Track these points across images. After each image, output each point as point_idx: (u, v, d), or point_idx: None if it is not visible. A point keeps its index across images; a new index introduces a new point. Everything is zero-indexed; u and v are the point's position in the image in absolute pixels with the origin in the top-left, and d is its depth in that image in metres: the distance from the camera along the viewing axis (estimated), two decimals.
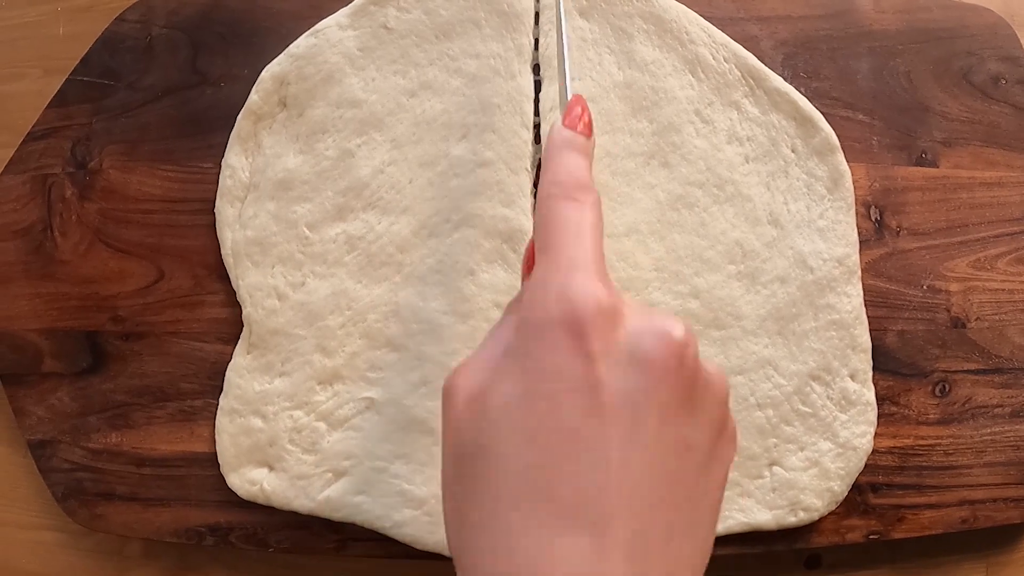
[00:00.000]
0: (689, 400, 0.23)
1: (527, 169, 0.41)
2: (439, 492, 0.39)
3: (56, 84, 0.45)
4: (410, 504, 0.39)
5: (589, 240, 0.24)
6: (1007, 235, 0.44)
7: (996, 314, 0.43)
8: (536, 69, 0.42)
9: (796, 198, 0.41)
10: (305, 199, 0.41)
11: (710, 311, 0.40)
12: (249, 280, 0.41)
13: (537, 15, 0.43)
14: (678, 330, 0.23)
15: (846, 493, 0.40)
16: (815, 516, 0.39)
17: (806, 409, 0.40)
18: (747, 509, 0.39)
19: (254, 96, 0.42)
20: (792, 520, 0.39)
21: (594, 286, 0.23)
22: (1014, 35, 0.46)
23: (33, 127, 0.45)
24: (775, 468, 0.39)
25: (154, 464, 0.41)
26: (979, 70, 0.45)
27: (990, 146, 0.44)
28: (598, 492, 0.21)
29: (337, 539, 0.40)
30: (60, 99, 0.45)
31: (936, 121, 0.44)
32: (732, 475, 0.39)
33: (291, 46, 0.43)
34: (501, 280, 0.40)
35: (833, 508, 0.40)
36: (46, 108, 0.45)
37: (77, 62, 0.45)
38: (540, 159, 0.42)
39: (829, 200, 0.41)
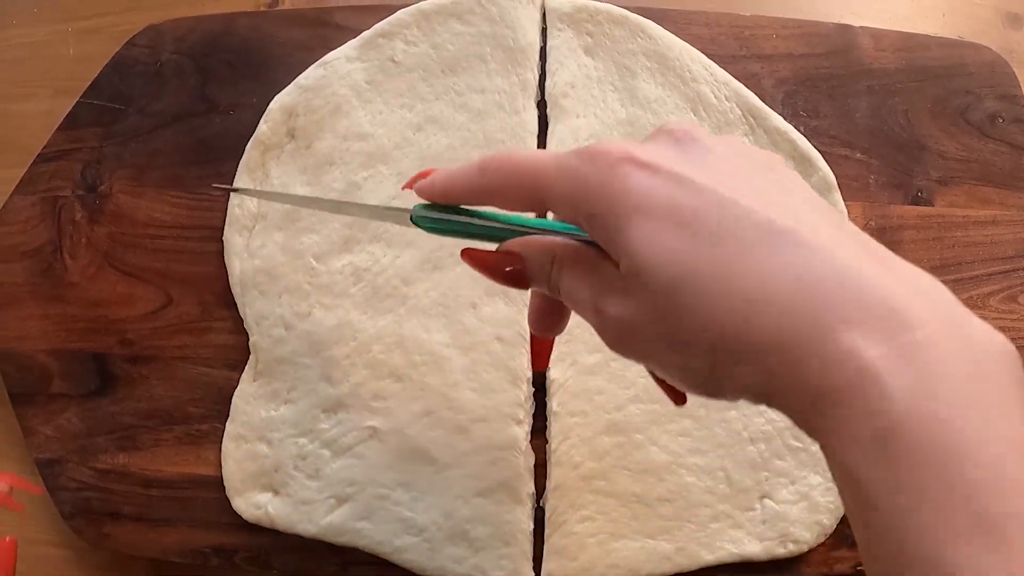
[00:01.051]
0: None
1: None
2: (439, 519, 0.40)
3: (65, 104, 0.46)
4: (411, 531, 0.40)
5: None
6: (1000, 273, 0.45)
7: None
8: (541, 105, 0.43)
9: None
10: (312, 230, 0.42)
11: None
12: (256, 309, 0.41)
13: (543, 50, 0.43)
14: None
15: (835, 526, 0.41)
16: (804, 548, 0.40)
17: (797, 444, 0.41)
18: (738, 540, 0.40)
19: (263, 127, 0.43)
20: (782, 552, 0.40)
21: None
22: (1012, 73, 0.46)
23: (44, 149, 0.46)
24: (766, 501, 0.40)
25: (161, 486, 0.42)
26: (977, 108, 0.46)
27: (985, 185, 0.45)
28: None
29: (339, 563, 0.41)
30: (71, 121, 0.46)
31: (932, 160, 0.45)
32: (723, 507, 0.40)
33: (300, 77, 0.43)
34: (502, 314, 0.41)
35: (822, 540, 0.41)
36: (57, 130, 0.46)
37: (86, 84, 0.46)
38: None
39: None
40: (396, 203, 0.42)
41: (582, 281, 0.24)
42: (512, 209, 0.26)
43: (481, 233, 0.28)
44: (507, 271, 0.27)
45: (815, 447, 0.41)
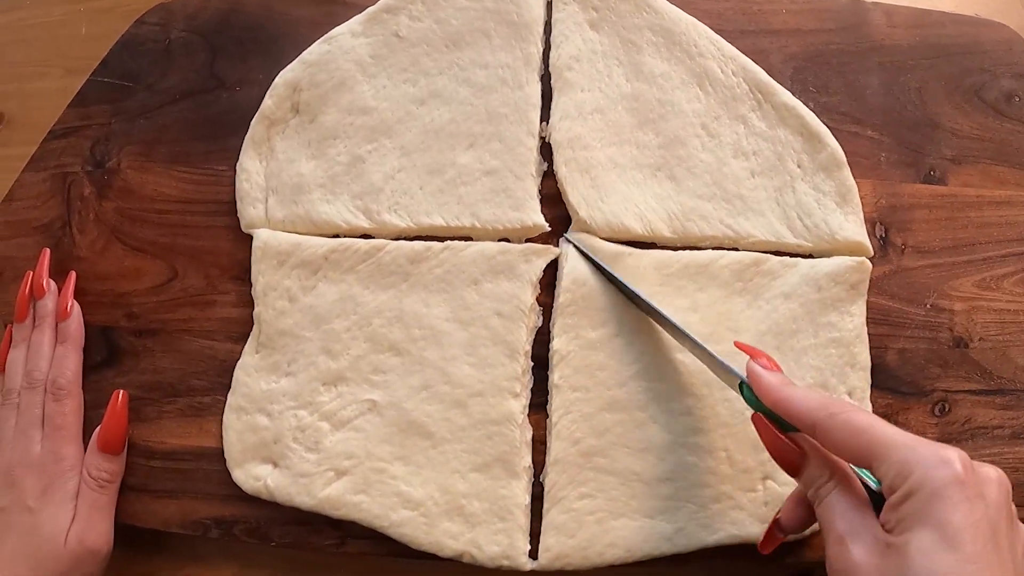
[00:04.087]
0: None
1: (532, 175, 0.42)
2: (435, 494, 0.40)
3: (77, 83, 0.47)
4: (407, 505, 0.40)
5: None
6: (1014, 255, 0.44)
7: (1000, 335, 0.43)
8: (546, 78, 0.43)
9: (809, 213, 0.41)
10: (326, 201, 0.42)
11: (708, 325, 0.41)
12: (267, 279, 0.42)
13: (547, 24, 0.43)
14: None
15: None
16: (805, 532, 0.39)
17: None
18: (739, 522, 0.39)
19: (268, 101, 0.43)
20: (781, 536, 0.39)
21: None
22: None
23: (54, 126, 0.46)
24: (768, 482, 0.40)
25: (163, 457, 0.43)
26: (992, 87, 0.45)
27: (1000, 164, 0.44)
28: None
29: (337, 536, 0.41)
30: (80, 99, 0.46)
31: (946, 138, 0.44)
32: (724, 488, 0.40)
33: (304, 52, 0.44)
34: (503, 289, 0.41)
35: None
36: (67, 108, 0.46)
37: (98, 63, 0.47)
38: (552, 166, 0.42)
39: (842, 215, 0.41)
40: (401, 175, 0.42)
41: (845, 510, 0.29)
42: (836, 455, 0.30)
43: (788, 427, 0.32)
44: (786, 459, 0.32)
45: None
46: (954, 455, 0.27)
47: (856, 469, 0.31)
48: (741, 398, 0.37)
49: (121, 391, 0.42)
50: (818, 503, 0.30)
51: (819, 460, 0.31)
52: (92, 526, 0.40)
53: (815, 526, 0.39)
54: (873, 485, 0.30)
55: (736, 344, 0.36)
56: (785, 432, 0.32)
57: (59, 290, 0.44)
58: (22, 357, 0.43)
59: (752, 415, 0.34)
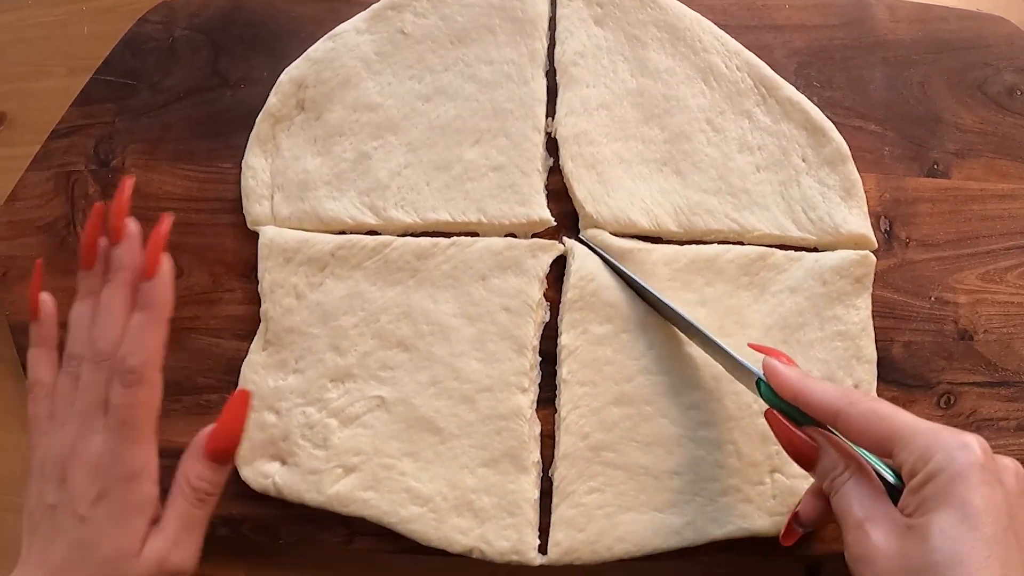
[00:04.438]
0: None
1: (538, 171, 0.42)
2: (444, 490, 0.40)
3: (80, 82, 0.46)
4: (416, 501, 0.40)
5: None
6: (1018, 248, 0.44)
7: (1004, 327, 0.43)
8: (551, 74, 0.43)
9: (814, 206, 0.41)
10: (332, 198, 0.42)
11: (716, 319, 0.41)
12: (273, 276, 0.42)
13: (552, 20, 0.43)
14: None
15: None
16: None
17: None
18: (747, 515, 0.39)
19: (273, 99, 0.43)
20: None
21: None
22: None
23: (57, 125, 0.46)
24: (776, 475, 0.40)
25: (171, 456, 0.42)
26: (995, 81, 0.45)
27: (1003, 158, 0.44)
28: None
29: (346, 532, 0.41)
30: (84, 98, 0.46)
31: (949, 132, 0.44)
32: (732, 481, 0.40)
33: (309, 50, 0.44)
34: (511, 284, 0.41)
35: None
36: (70, 106, 0.46)
37: (100, 62, 0.46)
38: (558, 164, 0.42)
39: (846, 208, 0.41)
40: (408, 171, 0.42)
41: (862, 497, 0.30)
42: (855, 443, 0.31)
43: (803, 420, 0.33)
44: (801, 453, 0.32)
45: None
46: (974, 440, 0.28)
47: (871, 461, 0.31)
48: (751, 393, 0.37)
49: (243, 391, 0.35)
50: (834, 493, 0.31)
51: (833, 452, 0.31)
52: (180, 546, 0.33)
53: None
54: (890, 477, 0.30)
55: (750, 345, 0.36)
56: (799, 427, 0.32)
57: (145, 239, 0.35)
58: (87, 314, 0.35)
59: (765, 411, 0.34)
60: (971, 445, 0.28)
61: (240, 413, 0.35)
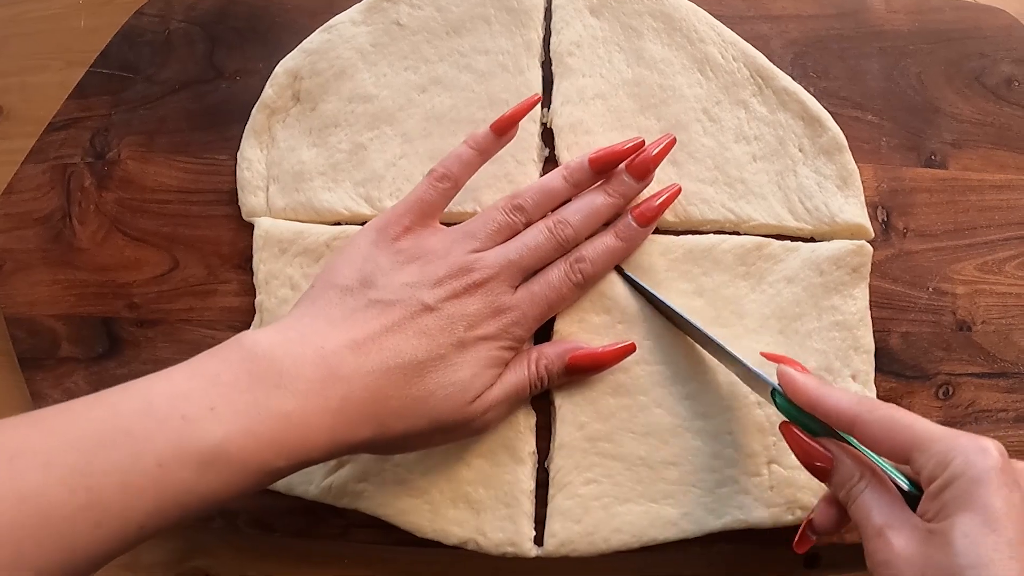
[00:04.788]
0: None
1: (534, 160, 0.42)
2: (439, 481, 0.39)
3: (77, 76, 0.46)
4: (411, 492, 0.39)
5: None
6: (1016, 238, 0.44)
7: (1003, 318, 0.43)
8: (547, 64, 0.43)
9: (810, 196, 0.41)
10: (327, 189, 0.42)
11: (713, 310, 0.40)
12: (269, 267, 0.41)
13: (547, 11, 0.43)
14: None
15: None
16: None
17: None
18: (745, 506, 0.39)
19: (268, 90, 0.43)
20: (789, 519, 0.39)
21: None
22: None
23: (54, 118, 0.46)
24: (773, 466, 0.40)
25: None
26: (992, 72, 0.45)
27: (1000, 148, 0.44)
28: None
29: (341, 525, 0.41)
30: (80, 91, 0.46)
31: (946, 122, 0.44)
32: (729, 472, 0.40)
33: (305, 41, 0.44)
34: None
35: None
36: (67, 99, 0.46)
37: (97, 55, 0.46)
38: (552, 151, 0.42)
39: (843, 197, 0.41)
40: (403, 162, 0.42)
41: (881, 504, 0.30)
42: (872, 450, 0.31)
43: (815, 429, 0.33)
44: (816, 464, 0.32)
45: None
46: (992, 444, 0.28)
47: (887, 470, 0.31)
48: (755, 391, 0.38)
49: (632, 344, 0.38)
50: (851, 502, 0.31)
51: (849, 461, 0.32)
52: (501, 405, 0.36)
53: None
54: (903, 484, 0.31)
55: (763, 354, 0.37)
56: (815, 437, 0.33)
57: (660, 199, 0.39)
58: (560, 188, 0.37)
59: (780, 424, 0.34)
60: (989, 449, 0.28)
61: (617, 357, 0.38)
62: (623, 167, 0.38)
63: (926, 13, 0.45)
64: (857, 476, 0.31)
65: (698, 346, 0.40)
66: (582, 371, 0.38)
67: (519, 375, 0.37)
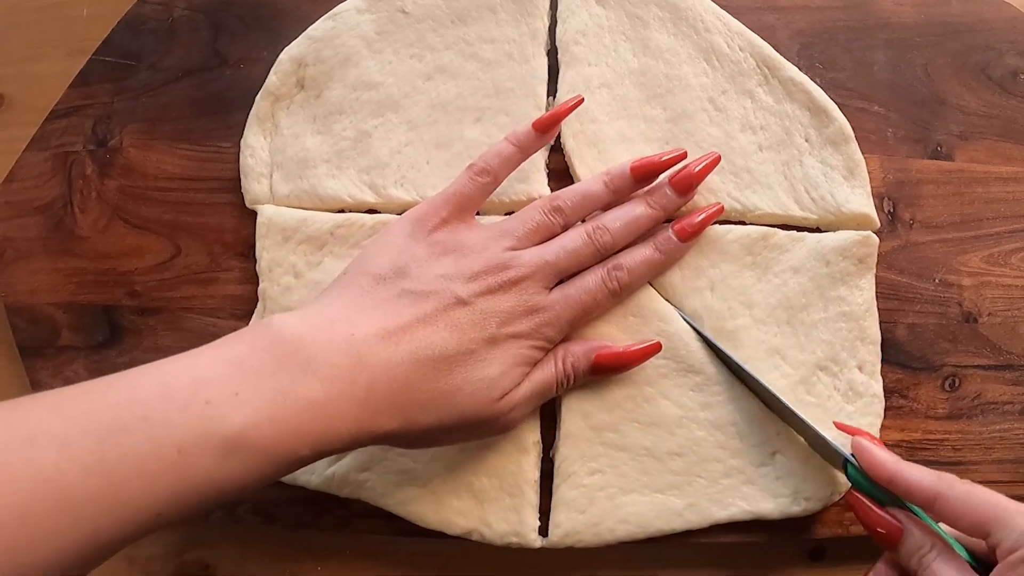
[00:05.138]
0: None
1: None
2: (443, 472, 0.39)
3: (79, 64, 0.46)
4: (414, 482, 0.39)
5: None
6: (1022, 231, 0.43)
7: (1008, 310, 0.43)
8: (552, 53, 0.43)
9: (816, 186, 0.41)
10: (332, 176, 0.42)
11: (724, 302, 0.40)
12: (272, 255, 0.41)
13: (554, 0, 0.43)
14: None
15: (849, 484, 0.39)
16: (818, 507, 0.39)
17: (811, 399, 0.40)
18: (750, 497, 0.39)
19: (272, 77, 0.43)
20: (795, 510, 0.39)
21: None
22: None
23: (56, 105, 0.46)
24: (778, 456, 0.39)
25: None
26: (998, 64, 0.45)
27: (1007, 141, 0.44)
28: None
29: (342, 515, 0.41)
30: (82, 79, 0.46)
31: (952, 114, 0.44)
32: (734, 463, 0.39)
33: (309, 29, 0.43)
34: None
35: (836, 500, 0.39)
36: (69, 87, 0.46)
37: (99, 44, 0.46)
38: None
39: (849, 188, 0.41)
40: (408, 149, 0.42)
41: (951, 572, 0.31)
42: (952, 525, 0.32)
43: (885, 501, 0.34)
44: (881, 531, 0.33)
45: (830, 402, 0.40)
46: None
47: (947, 540, 0.32)
48: (824, 457, 0.38)
49: (657, 343, 0.38)
50: (923, 569, 0.32)
51: (918, 531, 0.32)
52: (526, 403, 0.35)
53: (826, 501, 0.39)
54: (965, 557, 0.32)
55: (836, 425, 0.37)
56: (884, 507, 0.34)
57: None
58: (600, 193, 0.37)
59: (847, 492, 0.35)
60: None
61: (643, 356, 0.38)
62: (665, 179, 0.39)
63: (932, 5, 0.45)
64: (928, 545, 0.32)
65: (700, 342, 0.40)
66: (607, 370, 0.38)
67: (547, 373, 0.36)
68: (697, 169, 0.39)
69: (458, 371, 0.33)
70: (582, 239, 0.37)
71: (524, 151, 0.38)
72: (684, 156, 0.39)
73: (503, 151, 0.37)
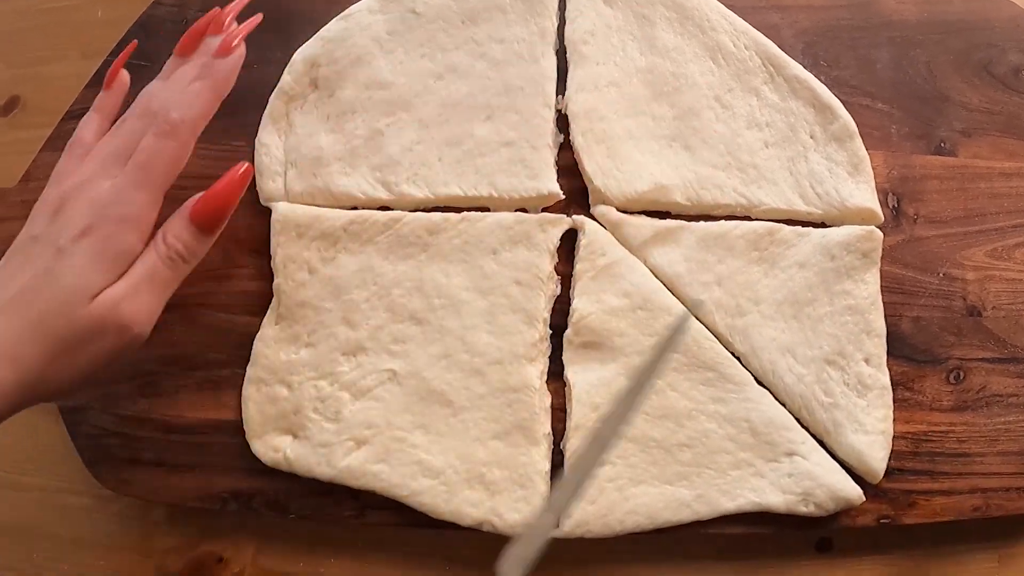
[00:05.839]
0: None
1: (548, 146, 0.42)
2: (455, 462, 0.40)
3: (93, 66, 0.47)
4: (427, 473, 0.40)
5: None
6: None
7: (1012, 304, 0.43)
8: (561, 52, 0.43)
9: (821, 181, 0.42)
10: (343, 174, 0.42)
11: (732, 298, 0.41)
12: (286, 251, 0.42)
13: (562, 0, 0.44)
14: None
15: (863, 500, 0.40)
16: (826, 512, 0.39)
17: (828, 400, 0.40)
18: (759, 490, 0.39)
19: (286, 77, 0.43)
20: (803, 510, 0.39)
21: None
22: None
23: (72, 106, 0.47)
24: (795, 457, 0.40)
25: (181, 431, 0.43)
26: (1000, 62, 0.45)
27: (1009, 136, 0.45)
28: None
29: (356, 507, 0.41)
30: (98, 79, 0.46)
31: (955, 111, 0.45)
32: (744, 455, 0.40)
33: (322, 29, 0.44)
34: (522, 258, 0.41)
35: (845, 508, 0.40)
36: (85, 88, 0.47)
37: (113, 46, 0.47)
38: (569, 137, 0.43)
39: (853, 183, 0.41)
40: (419, 147, 0.42)
41: None
42: None
43: None
44: None
45: (843, 399, 0.40)
46: None
47: None
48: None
49: (245, 164, 0.36)
50: None
51: None
52: (137, 297, 0.33)
53: (836, 501, 0.39)
54: None
55: None
56: None
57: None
58: (156, 88, 0.37)
59: None
60: None
61: (236, 184, 0.36)
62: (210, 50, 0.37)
63: (935, 4, 0.46)
64: None
65: (721, 344, 0.40)
66: (211, 218, 0.36)
67: (149, 259, 0.34)
68: (232, 28, 0.37)
69: (38, 296, 0.32)
70: (132, 122, 0.36)
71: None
72: (219, 17, 0.38)
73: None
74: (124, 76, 0.39)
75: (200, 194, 0.36)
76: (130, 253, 0.34)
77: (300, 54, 0.44)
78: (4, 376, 0.32)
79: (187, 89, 0.36)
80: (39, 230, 0.34)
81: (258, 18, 0.38)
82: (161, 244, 0.35)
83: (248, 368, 0.42)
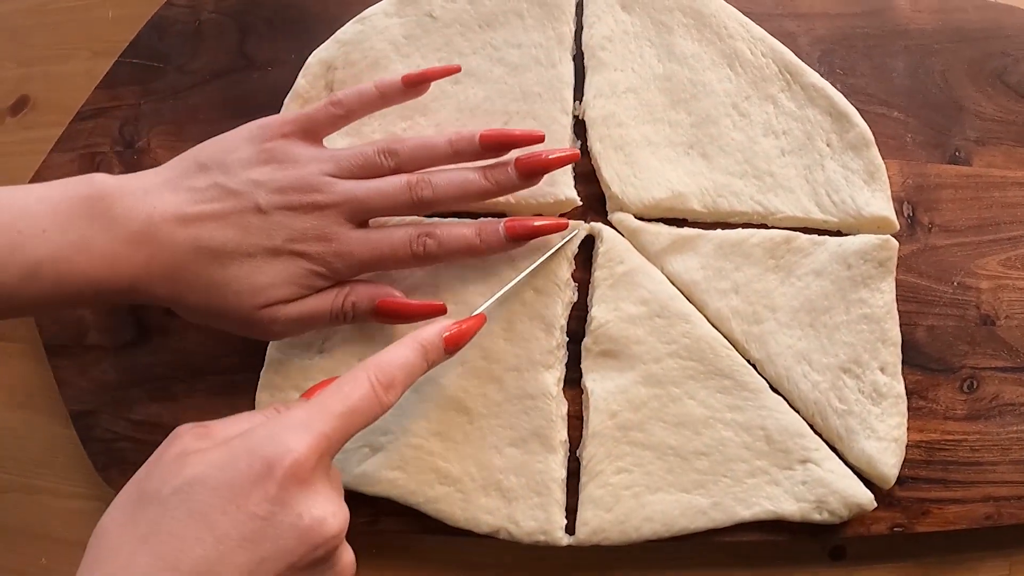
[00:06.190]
0: None
1: None
2: (471, 470, 0.40)
3: (104, 66, 0.47)
4: (444, 481, 0.40)
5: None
6: None
7: None
8: (578, 58, 0.43)
9: (837, 189, 0.42)
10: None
11: (749, 305, 0.41)
12: None
13: (579, 5, 0.43)
14: None
15: (874, 505, 0.40)
16: (840, 520, 0.39)
17: (842, 407, 0.40)
18: (774, 498, 0.39)
19: (301, 80, 0.43)
20: (816, 518, 0.39)
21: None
22: None
23: (82, 107, 0.46)
24: (809, 465, 0.40)
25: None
26: (1014, 70, 0.45)
27: (1023, 146, 0.45)
28: None
29: (370, 513, 0.41)
30: (109, 80, 0.46)
31: (970, 120, 0.45)
32: (760, 463, 0.40)
33: (338, 32, 0.44)
34: (539, 265, 0.41)
35: (858, 514, 0.40)
36: (96, 88, 0.46)
37: (124, 45, 0.47)
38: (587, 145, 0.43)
39: (869, 192, 0.42)
40: None
41: None
42: None
43: None
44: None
45: (858, 406, 0.40)
46: None
47: None
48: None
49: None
50: None
51: None
52: (289, 327, 0.37)
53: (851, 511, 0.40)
54: None
55: None
56: None
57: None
58: (440, 149, 0.37)
59: None
60: None
61: (424, 312, 0.38)
62: (511, 158, 0.38)
63: (949, 12, 0.46)
64: None
65: (737, 352, 0.40)
66: (389, 317, 0.38)
67: (322, 302, 0.37)
68: (548, 157, 0.37)
69: (231, 268, 0.35)
70: (400, 185, 0.36)
71: (384, 98, 0.38)
72: (540, 139, 0.37)
73: (364, 91, 0.38)
74: (426, 88, 0.39)
75: (400, 297, 0.38)
76: (313, 290, 0.37)
77: (315, 57, 0.43)
78: (159, 292, 0.35)
79: (462, 233, 0.37)
80: (265, 204, 0.35)
81: (573, 155, 0.38)
82: (340, 300, 0.37)
83: (262, 374, 0.42)
